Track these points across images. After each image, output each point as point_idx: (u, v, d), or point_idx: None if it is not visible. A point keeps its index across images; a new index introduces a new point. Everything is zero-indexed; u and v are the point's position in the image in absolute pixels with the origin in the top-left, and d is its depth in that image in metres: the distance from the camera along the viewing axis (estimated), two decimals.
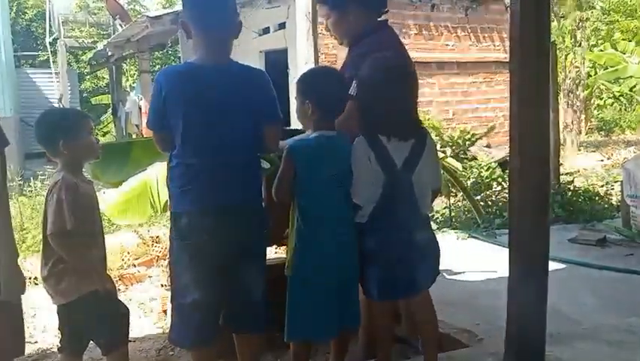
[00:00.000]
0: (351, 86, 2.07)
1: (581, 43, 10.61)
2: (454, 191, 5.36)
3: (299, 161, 1.95)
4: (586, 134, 11.65)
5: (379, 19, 2.31)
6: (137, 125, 11.61)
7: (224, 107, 1.91)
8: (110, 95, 14.80)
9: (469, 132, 6.95)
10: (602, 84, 11.38)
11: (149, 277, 4.11)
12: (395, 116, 1.94)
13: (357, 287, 2.05)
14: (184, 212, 1.94)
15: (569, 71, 10.60)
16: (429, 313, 2.09)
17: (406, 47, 2.39)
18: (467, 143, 6.69)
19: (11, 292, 1.80)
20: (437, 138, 6.68)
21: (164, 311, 3.27)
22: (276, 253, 3.23)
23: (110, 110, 14.60)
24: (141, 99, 11.44)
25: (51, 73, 13.43)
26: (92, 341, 2.09)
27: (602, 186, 6.40)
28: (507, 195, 2.28)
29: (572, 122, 10.57)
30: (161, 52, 14.19)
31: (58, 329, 2.08)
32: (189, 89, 1.90)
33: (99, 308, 1.96)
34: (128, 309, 2.15)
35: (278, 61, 8.42)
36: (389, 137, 1.93)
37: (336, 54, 7.33)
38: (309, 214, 1.96)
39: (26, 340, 3.08)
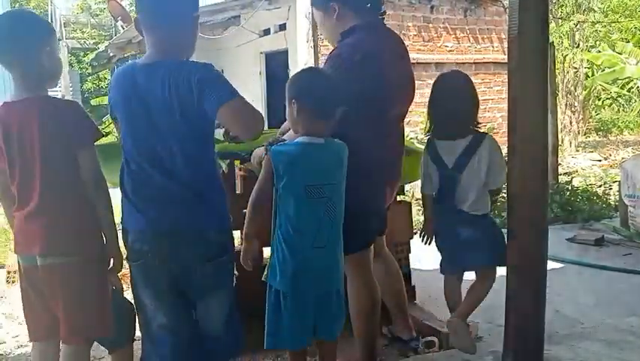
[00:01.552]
0: None
1: (579, 45, 10.64)
2: None
3: (277, 167, 1.84)
4: (584, 134, 11.66)
5: (378, 17, 2.25)
6: None
7: (148, 110, 1.71)
8: None
9: None
10: (600, 85, 11.41)
11: None
12: (442, 121, 2.27)
13: (338, 302, 1.97)
14: (128, 226, 1.79)
15: (567, 72, 10.63)
16: (478, 291, 2.33)
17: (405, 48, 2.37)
18: None
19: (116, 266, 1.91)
20: None
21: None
22: None
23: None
24: None
25: None
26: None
27: (600, 186, 6.42)
28: (505, 195, 2.31)
29: (571, 122, 10.60)
30: None
31: None
32: (120, 92, 1.78)
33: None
34: (134, 307, 2.16)
35: (278, 62, 8.45)
36: (439, 138, 2.27)
37: None
38: (286, 224, 1.87)
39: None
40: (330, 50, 2.21)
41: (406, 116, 2.42)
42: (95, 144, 1.88)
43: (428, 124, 2.34)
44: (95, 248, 1.85)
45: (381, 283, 2.35)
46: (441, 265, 2.41)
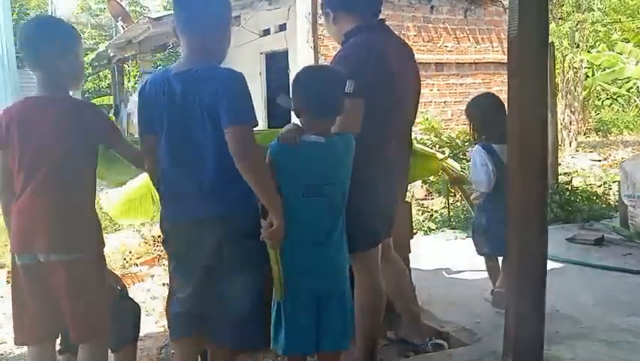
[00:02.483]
0: (347, 84, 2.03)
1: (579, 45, 10.64)
2: (453, 191, 5.39)
3: (276, 164, 1.85)
4: (584, 134, 11.67)
5: (377, 18, 2.27)
6: None
7: (183, 115, 1.82)
8: (112, 96, 14.84)
9: (467, 133, 6.97)
10: (600, 85, 11.41)
11: (151, 276, 4.13)
12: (498, 130, 2.82)
13: (342, 306, 1.92)
14: (163, 220, 1.97)
15: (567, 72, 10.64)
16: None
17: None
18: (466, 144, 6.71)
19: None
20: (436, 138, 6.69)
21: (166, 310, 3.29)
22: None
23: (112, 111, 14.63)
24: None
25: None
26: None
27: (600, 186, 6.42)
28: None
29: (570, 122, 10.60)
30: (162, 53, 14.21)
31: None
32: (155, 98, 1.87)
33: (112, 306, 1.95)
34: (139, 307, 2.17)
35: (278, 62, 8.45)
36: (496, 143, 2.90)
37: None
38: (286, 220, 1.83)
39: None
40: (336, 52, 2.21)
41: (415, 117, 2.43)
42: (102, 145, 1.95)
43: (478, 134, 3.06)
44: (97, 247, 1.89)
45: (392, 287, 2.37)
46: (492, 248, 2.97)
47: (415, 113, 2.42)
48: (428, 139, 6.63)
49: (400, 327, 2.68)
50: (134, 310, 2.13)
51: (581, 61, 10.67)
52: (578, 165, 8.70)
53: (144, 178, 2.94)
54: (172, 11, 2.09)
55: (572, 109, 10.71)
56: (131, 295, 3.35)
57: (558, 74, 9.54)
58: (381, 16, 2.29)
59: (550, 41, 4.72)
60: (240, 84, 1.79)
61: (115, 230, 5.04)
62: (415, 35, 8.30)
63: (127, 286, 3.95)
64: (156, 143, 1.91)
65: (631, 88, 11.80)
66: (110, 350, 2.10)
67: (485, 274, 3.18)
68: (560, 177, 5.89)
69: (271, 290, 1.92)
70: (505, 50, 2.21)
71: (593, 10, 10.90)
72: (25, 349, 2.85)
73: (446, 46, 8.64)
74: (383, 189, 2.20)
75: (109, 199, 2.96)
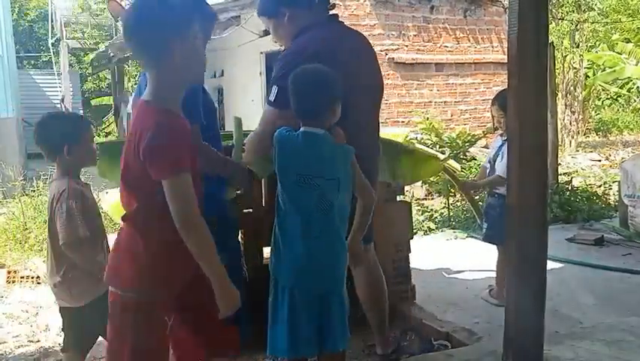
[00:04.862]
0: (271, 92, 2.00)
1: (579, 45, 10.64)
2: (453, 191, 5.39)
3: (274, 150, 1.88)
4: (584, 134, 11.66)
5: (329, 13, 2.21)
6: None
7: None
8: (111, 96, 14.85)
9: (468, 133, 6.97)
10: (600, 85, 11.40)
11: None
12: None
13: (341, 304, 1.89)
14: None
15: (567, 72, 10.64)
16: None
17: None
18: (466, 144, 6.71)
19: None
20: (436, 138, 6.70)
21: None
22: None
23: (112, 111, 14.65)
24: None
25: (53, 74, 13.48)
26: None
27: (600, 186, 6.42)
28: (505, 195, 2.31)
29: (570, 122, 10.60)
30: None
31: (62, 330, 2.11)
32: None
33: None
34: None
35: None
36: None
37: None
38: (279, 210, 1.87)
39: (28, 339, 3.11)
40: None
41: (377, 115, 2.35)
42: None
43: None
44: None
45: (367, 296, 2.33)
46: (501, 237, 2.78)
47: (378, 110, 2.32)
48: (428, 139, 6.64)
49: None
50: None
51: (581, 61, 10.67)
52: (578, 165, 8.70)
53: None
54: None
55: (572, 109, 10.71)
56: None
57: (558, 74, 9.53)
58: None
59: (550, 41, 4.72)
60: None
61: (115, 230, 5.04)
62: (415, 35, 8.30)
63: None
64: None
65: (631, 88, 11.79)
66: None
67: (485, 274, 3.18)
68: (560, 177, 5.89)
69: (265, 297, 1.91)
70: (505, 50, 2.21)
71: (593, 9, 10.90)
72: (25, 349, 2.88)
73: (446, 46, 8.64)
74: None
75: (109, 199, 2.97)
